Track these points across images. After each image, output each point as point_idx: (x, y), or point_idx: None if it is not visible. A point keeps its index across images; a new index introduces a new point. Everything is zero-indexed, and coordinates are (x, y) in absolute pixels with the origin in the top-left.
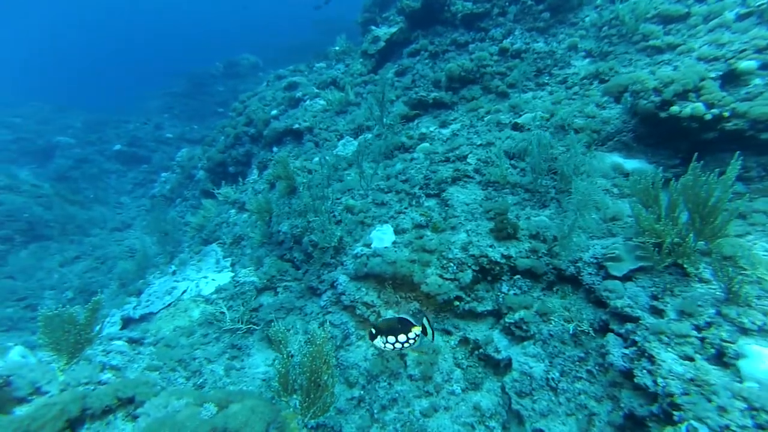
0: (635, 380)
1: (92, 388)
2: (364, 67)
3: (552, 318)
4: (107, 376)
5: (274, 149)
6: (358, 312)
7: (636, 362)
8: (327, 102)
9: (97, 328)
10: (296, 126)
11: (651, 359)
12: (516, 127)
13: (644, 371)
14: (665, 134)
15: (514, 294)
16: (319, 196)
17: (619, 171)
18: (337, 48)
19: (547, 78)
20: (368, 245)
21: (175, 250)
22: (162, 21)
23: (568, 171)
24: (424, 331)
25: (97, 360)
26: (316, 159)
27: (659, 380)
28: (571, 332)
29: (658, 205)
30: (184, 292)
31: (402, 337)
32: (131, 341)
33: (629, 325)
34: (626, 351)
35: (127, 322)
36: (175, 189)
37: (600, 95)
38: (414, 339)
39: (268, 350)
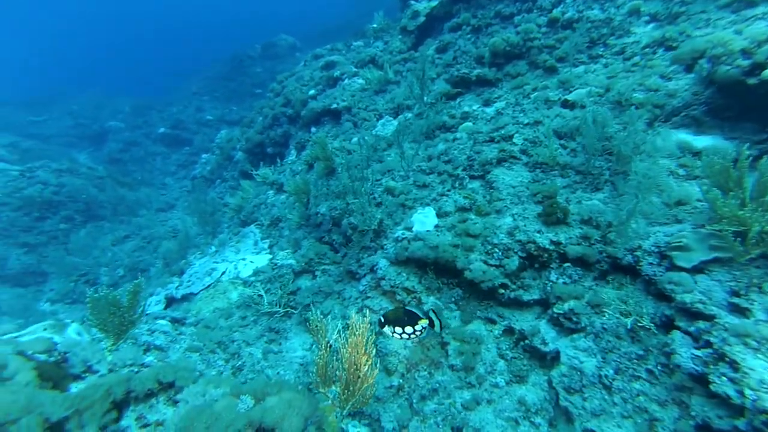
0: (711, 387)
1: (136, 370)
2: (403, 44)
3: (606, 310)
4: (150, 358)
5: (312, 129)
6: (398, 297)
7: (712, 366)
8: (365, 81)
9: (140, 310)
10: (334, 106)
11: (733, 365)
12: (566, 104)
13: (724, 378)
14: (751, 105)
15: (564, 283)
16: (358, 177)
17: (686, 149)
18: (374, 25)
19: (602, 49)
20: (409, 229)
21: (215, 230)
22: (203, 5)
23: (626, 150)
24: (431, 324)
25: (142, 339)
26: (355, 139)
27: (747, 391)
28: (628, 327)
29: (741, 188)
30: (223, 273)
31: (408, 329)
32: (174, 321)
33: (701, 324)
34: (698, 353)
35: (170, 301)
36: (214, 170)
37: (666, 65)
38: (420, 331)
39: (305, 334)
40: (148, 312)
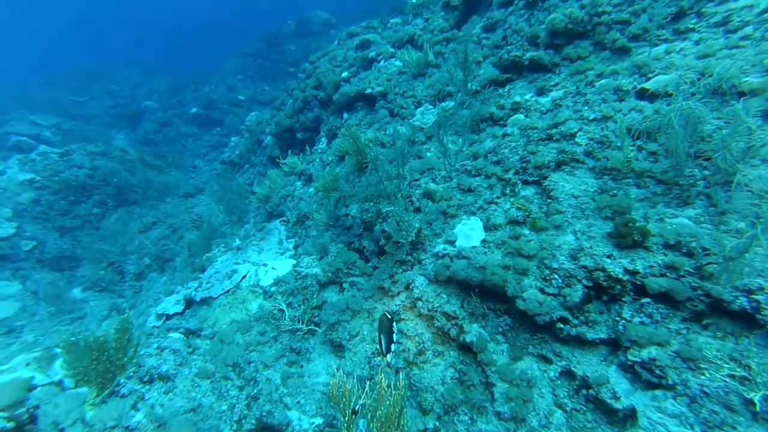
0: None
1: None
2: (445, 22)
3: (706, 368)
4: (138, 418)
5: (345, 116)
6: (437, 324)
7: None
8: (403, 63)
9: (131, 350)
10: (368, 91)
11: None
12: (643, 94)
13: None
14: None
15: (641, 323)
16: (393, 176)
17: None
18: (413, 0)
19: (694, 21)
20: (452, 242)
21: (241, 220)
22: None
23: (731, 154)
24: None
25: (147, 364)
26: (390, 130)
27: None
28: (758, 408)
29: None
30: (244, 277)
31: None
32: (188, 333)
33: None
34: None
35: (189, 303)
36: (243, 154)
37: None
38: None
39: (330, 355)
40: (165, 312)
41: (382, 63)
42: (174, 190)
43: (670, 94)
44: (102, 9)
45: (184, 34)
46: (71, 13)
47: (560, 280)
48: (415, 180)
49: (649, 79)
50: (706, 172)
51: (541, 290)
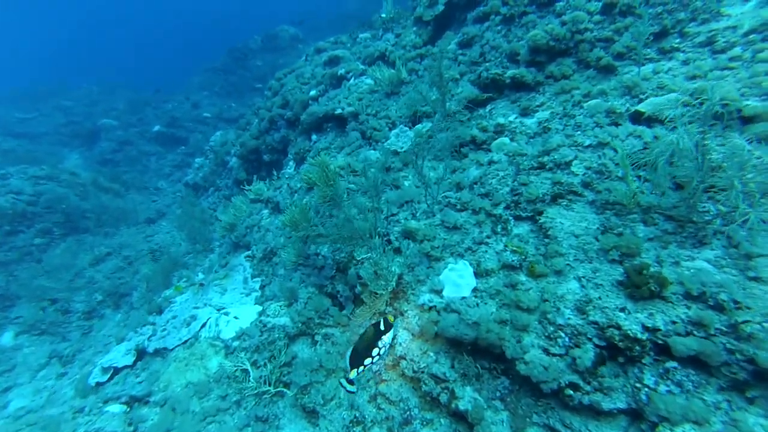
0: None
1: None
2: (418, 38)
3: None
4: None
5: (314, 137)
6: (424, 387)
7: None
8: (375, 81)
9: None
10: (338, 111)
11: None
12: (638, 117)
13: None
14: None
15: (669, 392)
16: (368, 209)
17: None
18: (383, 15)
19: (678, 40)
20: (438, 292)
21: (206, 249)
22: None
23: (754, 185)
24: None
25: None
26: (363, 155)
27: None
28: None
29: None
30: (203, 326)
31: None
32: (132, 400)
33: None
34: None
35: (141, 354)
36: (207, 177)
37: None
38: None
39: (302, 421)
40: (113, 365)
41: (352, 81)
42: (132, 215)
43: (667, 119)
44: (58, 24)
45: (146, 49)
46: (30, 31)
47: (567, 339)
48: (393, 215)
49: (641, 100)
50: (722, 207)
51: (546, 351)
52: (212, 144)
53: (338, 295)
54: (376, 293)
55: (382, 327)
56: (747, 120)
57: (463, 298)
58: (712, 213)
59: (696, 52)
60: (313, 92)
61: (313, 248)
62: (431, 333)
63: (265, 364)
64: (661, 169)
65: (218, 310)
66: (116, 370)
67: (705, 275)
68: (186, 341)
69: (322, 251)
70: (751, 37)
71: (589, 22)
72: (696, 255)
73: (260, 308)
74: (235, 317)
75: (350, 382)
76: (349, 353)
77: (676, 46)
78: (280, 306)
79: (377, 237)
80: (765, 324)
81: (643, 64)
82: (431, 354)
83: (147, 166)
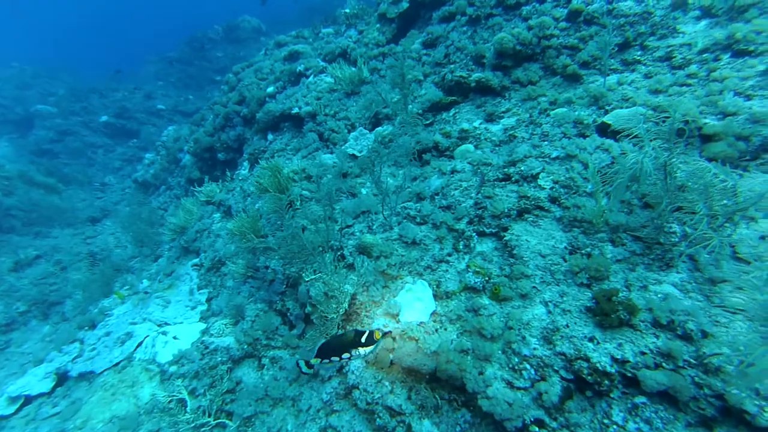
0: None
1: None
2: (381, 35)
3: None
4: None
5: (270, 137)
6: (378, 421)
7: None
8: (335, 79)
9: None
10: (295, 110)
11: None
12: (605, 129)
13: None
14: None
15: (638, 430)
16: (321, 219)
17: None
18: (347, 10)
19: (640, 53)
20: (394, 315)
21: (154, 253)
22: None
23: (715, 208)
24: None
25: None
26: (319, 159)
27: None
28: None
29: None
30: (139, 345)
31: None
32: None
33: None
34: None
35: (63, 378)
36: (158, 174)
37: (739, 77)
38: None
39: None
40: (25, 393)
41: (311, 78)
42: (70, 214)
43: (633, 135)
44: None
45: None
46: None
47: (533, 372)
48: (348, 226)
49: (607, 112)
50: (687, 229)
51: (510, 384)
52: (164, 139)
53: (288, 313)
54: (326, 316)
55: (363, 339)
56: (706, 138)
57: (421, 323)
58: (678, 234)
59: (656, 66)
60: (270, 89)
61: (262, 260)
62: (386, 362)
63: (204, 393)
64: (616, 189)
65: (159, 326)
66: (28, 399)
67: (674, 302)
68: (117, 364)
69: (272, 264)
70: (704, 56)
71: (555, 29)
72: (663, 278)
73: (204, 326)
74: (175, 337)
75: (309, 365)
76: (320, 342)
77: (638, 58)
78: (226, 324)
79: (330, 252)
80: (733, 357)
81: (608, 75)
82: (386, 384)
83: (93, 159)
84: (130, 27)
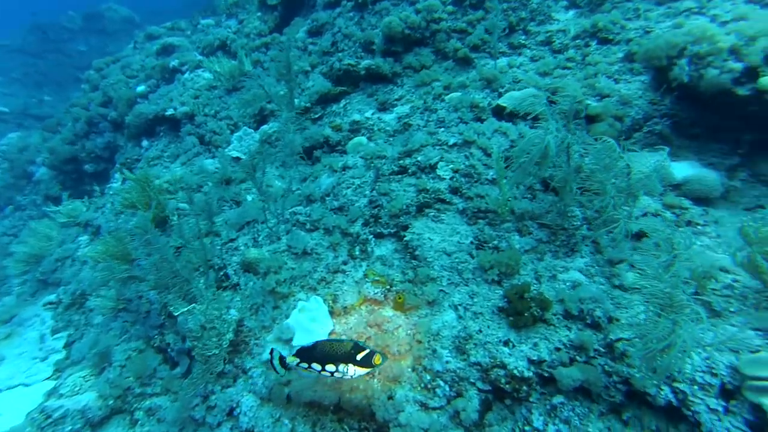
0: None
1: None
2: (264, 24)
3: None
4: None
5: (144, 143)
6: None
7: None
8: (214, 75)
9: None
10: (170, 112)
11: None
12: (501, 112)
13: None
14: (727, 122)
15: (557, 431)
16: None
17: (666, 182)
18: None
19: (524, 38)
20: (287, 341)
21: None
22: None
23: (619, 184)
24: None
25: None
26: (198, 165)
27: None
28: None
29: None
30: None
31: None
32: None
33: None
34: None
35: None
36: (2, 192)
37: (608, 62)
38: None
39: None
40: None
41: (187, 75)
42: None
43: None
44: None
45: None
46: None
47: (448, 388)
48: (232, 240)
49: (500, 94)
50: (588, 212)
51: (424, 405)
52: (4, 149)
53: (169, 349)
54: (207, 356)
55: (359, 357)
56: (591, 119)
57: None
58: (579, 218)
59: (540, 49)
60: (141, 88)
61: (135, 289)
62: (282, 397)
63: None
64: (519, 171)
65: None
66: None
67: (582, 290)
68: None
69: (147, 293)
70: (577, 41)
71: (443, 12)
72: (569, 265)
73: (53, 384)
74: None
75: (284, 364)
76: (311, 342)
77: (523, 42)
78: (85, 377)
79: (212, 271)
80: (635, 339)
81: (498, 58)
82: (285, 422)
83: None
84: None
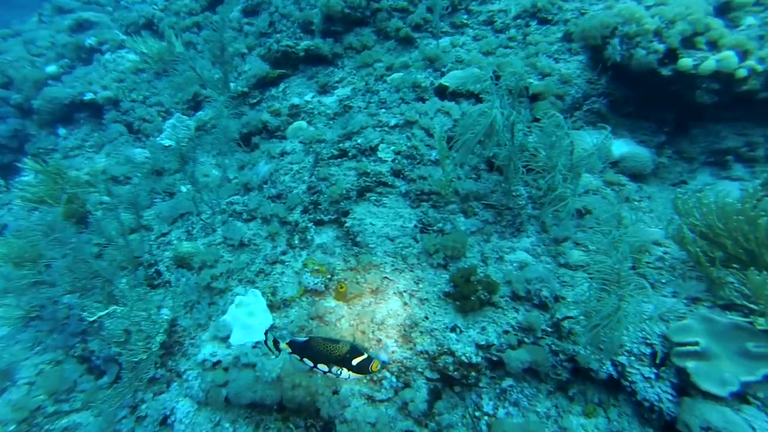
0: None
1: None
2: (195, 2)
3: None
4: None
5: (61, 131)
6: None
7: None
8: (140, 56)
9: None
10: (89, 96)
11: None
12: (443, 92)
13: None
14: (653, 101)
15: (507, 414)
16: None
17: (606, 158)
18: None
19: (466, 17)
20: (224, 339)
21: None
22: None
23: (564, 162)
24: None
25: None
26: (125, 155)
27: None
28: None
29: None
30: None
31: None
32: None
33: None
34: None
35: None
36: None
37: (548, 42)
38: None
39: None
40: None
41: (108, 55)
42: None
43: (473, 93)
44: None
45: None
46: None
47: (394, 379)
48: (164, 234)
49: (443, 74)
50: (532, 190)
51: (370, 399)
52: None
53: (93, 356)
54: (135, 362)
55: (354, 363)
56: (533, 98)
57: (257, 344)
58: (524, 197)
59: (482, 29)
60: (52, 68)
61: (46, 294)
62: (220, 400)
63: None
64: (463, 148)
65: None
66: None
67: (529, 271)
68: None
69: (65, 298)
70: (518, 21)
71: None
72: (516, 245)
73: None
74: None
75: (278, 347)
76: (303, 338)
77: (465, 22)
78: None
79: (142, 269)
80: (581, 317)
81: (441, 37)
82: (226, 425)
83: None
84: None
